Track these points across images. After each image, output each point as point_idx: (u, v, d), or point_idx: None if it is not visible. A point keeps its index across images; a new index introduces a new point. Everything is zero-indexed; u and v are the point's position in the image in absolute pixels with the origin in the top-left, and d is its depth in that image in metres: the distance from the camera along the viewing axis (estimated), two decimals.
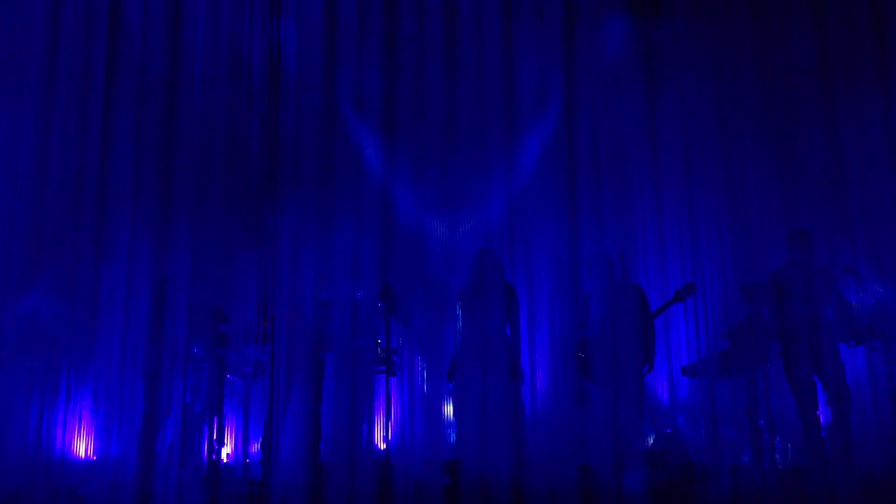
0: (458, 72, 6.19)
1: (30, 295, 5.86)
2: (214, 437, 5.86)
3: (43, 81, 5.97)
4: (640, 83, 6.73)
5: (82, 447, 5.82)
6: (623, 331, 5.86)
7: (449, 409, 6.00)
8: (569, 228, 6.10)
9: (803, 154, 6.10)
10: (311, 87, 6.13)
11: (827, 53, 6.03)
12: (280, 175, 6.13)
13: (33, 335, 5.77)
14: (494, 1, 6.22)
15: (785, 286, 5.94)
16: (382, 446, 5.88)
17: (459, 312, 6.13)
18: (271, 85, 6.21)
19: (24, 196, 5.87)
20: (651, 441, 6.31)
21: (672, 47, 6.44)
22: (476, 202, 6.33)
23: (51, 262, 5.87)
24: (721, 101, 6.18)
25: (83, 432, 5.83)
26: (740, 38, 6.14)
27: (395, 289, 6.05)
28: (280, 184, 6.14)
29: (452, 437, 5.92)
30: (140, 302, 5.77)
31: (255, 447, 6.05)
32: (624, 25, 6.41)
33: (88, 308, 5.79)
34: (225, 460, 6.04)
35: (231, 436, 6.17)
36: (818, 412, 5.77)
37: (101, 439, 5.78)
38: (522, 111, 6.33)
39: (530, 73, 6.27)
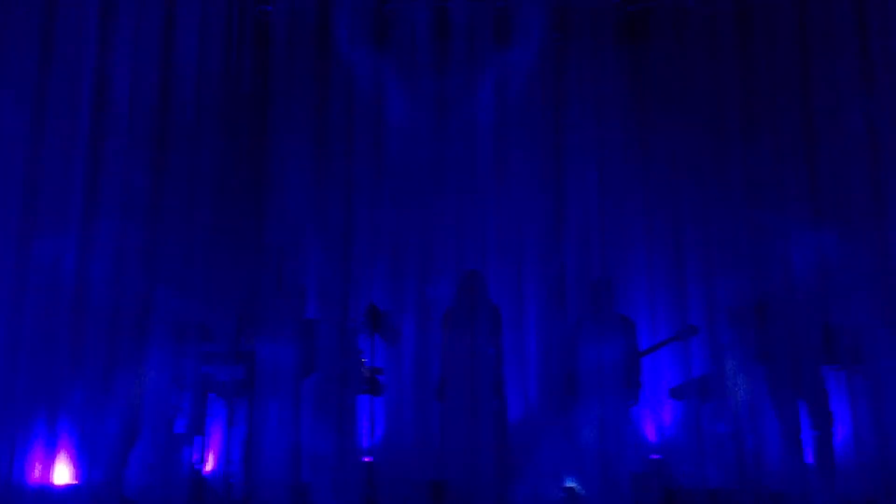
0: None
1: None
2: (196, 457, 5.80)
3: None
4: (630, 108, 6.75)
5: (63, 471, 5.72)
6: (613, 361, 5.89)
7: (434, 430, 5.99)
8: (556, 247, 6.13)
9: (788, 177, 6.13)
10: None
11: (808, 74, 6.08)
12: (267, 184, 6.14)
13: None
14: None
15: (770, 310, 5.96)
16: (367, 466, 5.85)
17: (446, 333, 6.12)
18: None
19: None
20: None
21: (659, 73, 6.49)
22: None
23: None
24: (708, 124, 6.22)
25: (63, 456, 5.73)
26: (725, 64, 6.19)
27: (381, 308, 6.04)
28: (266, 193, 6.15)
29: (438, 458, 5.89)
30: (123, 319, 5.71)
31: (235, 466, 6.00)
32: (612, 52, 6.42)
33: (72, 325, 5.71)
34: (207, 479, 5.98)
35: (213, 455, 6.12)
36: (801, 436, 5.79)
37: (82, 461, 5.68)
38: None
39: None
